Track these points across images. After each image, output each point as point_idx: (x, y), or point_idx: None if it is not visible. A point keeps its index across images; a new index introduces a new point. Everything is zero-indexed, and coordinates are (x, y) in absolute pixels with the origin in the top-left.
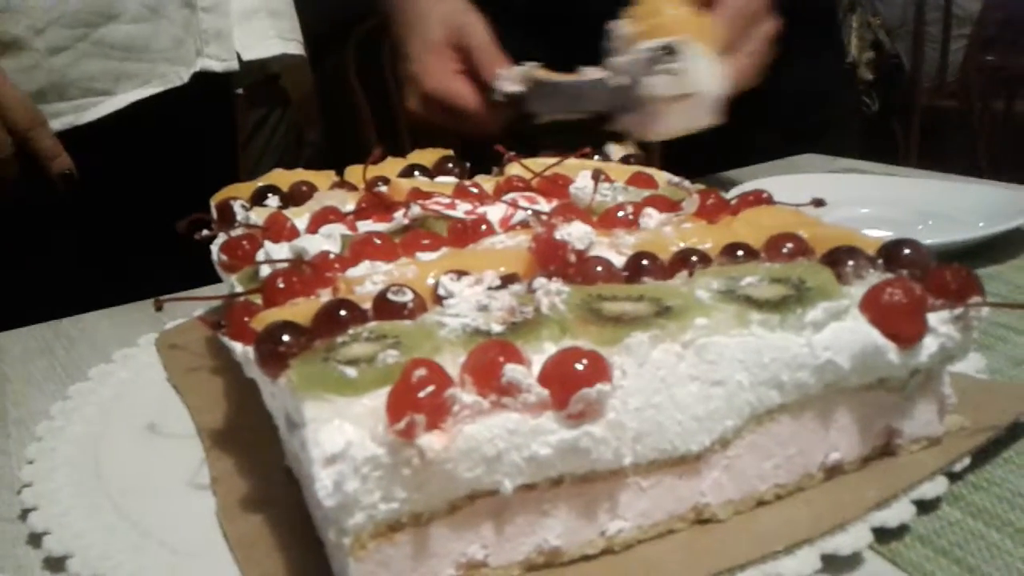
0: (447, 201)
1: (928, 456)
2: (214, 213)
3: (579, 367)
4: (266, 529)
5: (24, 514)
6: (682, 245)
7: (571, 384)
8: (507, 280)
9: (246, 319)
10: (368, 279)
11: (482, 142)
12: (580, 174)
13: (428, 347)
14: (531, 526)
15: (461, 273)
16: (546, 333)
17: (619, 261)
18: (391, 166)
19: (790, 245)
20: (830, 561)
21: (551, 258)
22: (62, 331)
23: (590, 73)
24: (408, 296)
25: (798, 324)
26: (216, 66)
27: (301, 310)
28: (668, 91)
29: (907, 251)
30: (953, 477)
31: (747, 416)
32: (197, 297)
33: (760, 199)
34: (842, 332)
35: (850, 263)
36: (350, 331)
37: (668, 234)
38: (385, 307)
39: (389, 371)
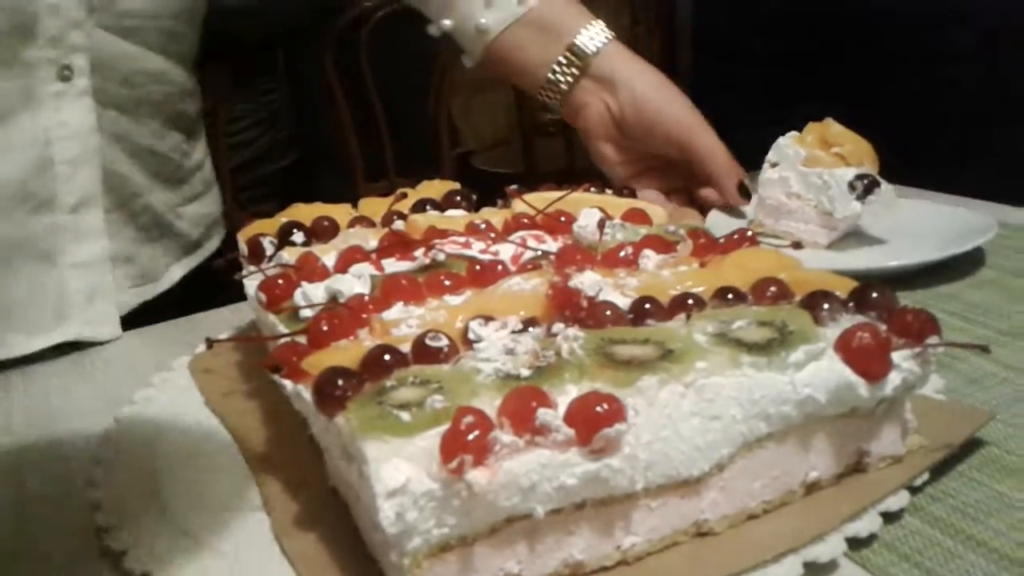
0: (462, 240)
1: (892, 472)
2: (243, 248)
3: (599, 409)
4: (321, 545)
5: (100, 533)
6: (679, 288)
7: (593, 424)
8: (528, 324)
9: (294, 359)
10: (403, 323)
11: None
12: (583, 212)
13: (467, 391)
14: (558, 543)
15: (487, 318)
16: (567, 376)
17: (622, 301)
18: (403, 200)
19: (773, 288)
20: (811, 567)
21: (566, 304)
22: (96, 355)
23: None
24: (443, 341)
25: (782, 365)
26: None
27: (347, 353)
28: (865, 220)
29: (875, 295)
30: (914, 491)
31: (739, 444)
32: (248, 339)
33: (744, 238)
34: (819, 371)
35: (825, 306)
36: (395, 375)
37: (666, 277)
38: (423, 352)
39: (437, 415)
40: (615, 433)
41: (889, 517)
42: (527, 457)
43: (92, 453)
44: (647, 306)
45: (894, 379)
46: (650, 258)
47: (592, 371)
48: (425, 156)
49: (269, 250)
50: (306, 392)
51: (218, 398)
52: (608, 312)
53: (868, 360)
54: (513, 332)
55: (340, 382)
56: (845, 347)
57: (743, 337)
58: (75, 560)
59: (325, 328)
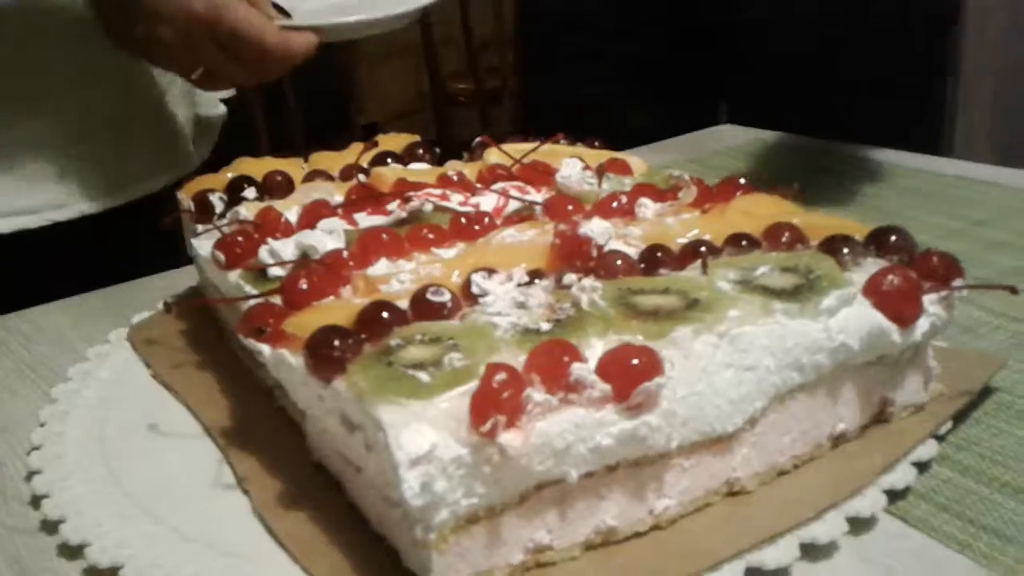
0: (438, 192)
1: (916, 421)
2: (187, 205)
3: (636, 363)
4: (313, 526)
5: (47, 525)
6: (691, 235)
7: (631, 379)
8: (533, 275)
9: (270, 321)
10: (393, 278)
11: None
12: (564, 162)
13: (485, 348)
14: (590, 509)
15: (490, 271)
16: (591, 329)
17: (628, 251)
18: (356, 152)
19: (788, 234)
20: (853, 523)
21: (575, 254)
22: (12, 327)
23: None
24: (446, 296)
25: (815, 311)
26: None
27: (334, 312)
28: None
29: (893, 237)
30: (937, 439)
31: (772, 397)
32: (214, 301)
33: (737, 186)
34: (851, 317)
35: (845, 250)
36: (397, 333)
37: (670, 225)
38: (425, 308)
39: (457, 374)
40: (655, 387)
41: (919, 467)
42: (561, 416)
43: (25, 439)
44: (659, 254)
45: (923, 324)
46: (647, 206)
47: (617, 323)
48: (334, 127)
49: (219, 207)
50: (291, 356)
51: (168, 371)
52: (619, 261)
53: (899, 304)
54: (519, 285)
55: (336, 342)
56: (875, 291)
57: (769, 284)
58: (23, 561)
59: (304, 286)
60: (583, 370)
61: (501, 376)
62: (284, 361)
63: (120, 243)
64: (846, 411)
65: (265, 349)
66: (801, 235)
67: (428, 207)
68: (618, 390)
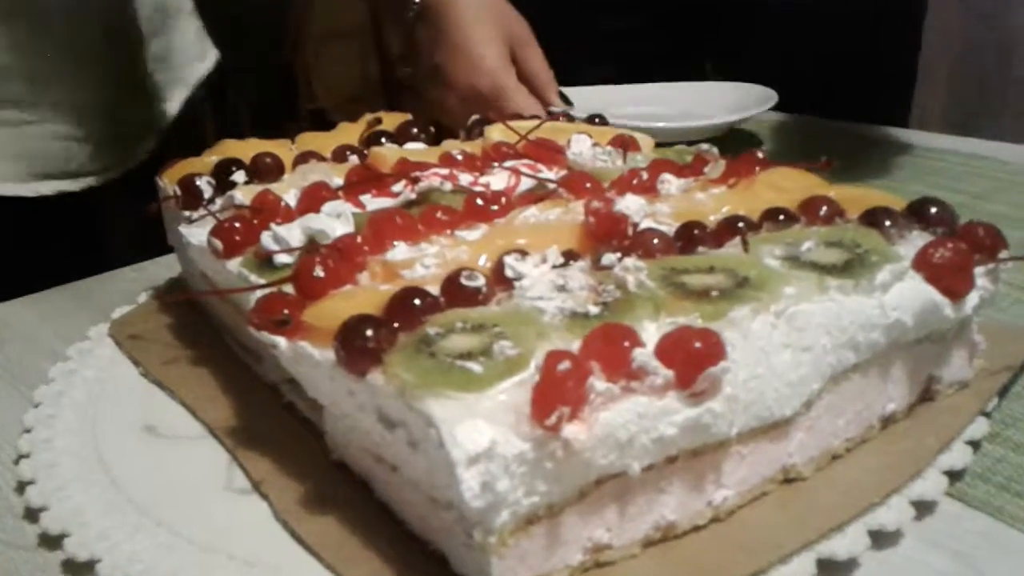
0: (445, 172)
1: (963, 398)
2: (171, 191)
3: (699, 346)
4: (344, 530)
5: (47, 540)
6: (723, 212)
7: (695, 363)
8: (568, 257)
9: (284, 311)
10: (417, 263)
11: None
12: (573, 139)
13: (534, 334)
14: (649, 504)
15: (522, 253)
16: (642, 312)
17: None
18: (345, 132)
19: (825, 207)
20: (917, 507)
21: (612, 232)
22: None
23: None
24: (480, 281)
25: (870, 287)
26: None
27: (356, 300)
28: None
29: (934, 209)
30: (985, 416)
31: (827, 378)
32: (217, 292)
33: (756, 160)
34: (905, 292)
35: (887, 223)
36: (433, 321)
37: (702, 201)
38: (459, 293)
39: (511, 364)
40: (720, 372)
41: (972, 447)
42: (623, 406)
43: (9, 446)
44: (696, 232)
45: (972, 297)
46: (671, 182)
47: (669, 304)
48: (280, 112)
49: (207, 192)
50: (313, 349)
51: (160, 368)
52: (656, 240)
53: (952, 277)
54: (555, 267)
55: (369, 332)
56: (926, 264)
57: (818, 259)
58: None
59: (320, 273)
60: (645, 355)
61: (565, 365)
62: (304, 354)
63: (78, 235)
64: (895, 390)
65: (281, 342)
66: (839, 208)
67: (447, 187)
68: (681, 376)
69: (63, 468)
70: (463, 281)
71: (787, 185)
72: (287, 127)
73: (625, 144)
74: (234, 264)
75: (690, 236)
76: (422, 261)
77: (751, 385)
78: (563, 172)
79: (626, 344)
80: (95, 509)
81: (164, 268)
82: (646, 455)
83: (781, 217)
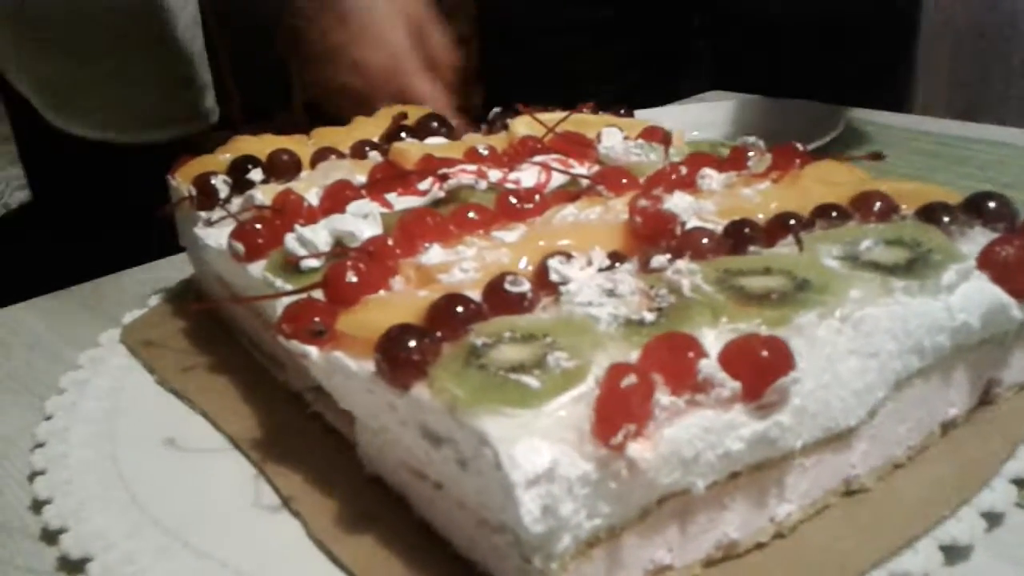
0: (473, 168)
1: (1021, 401)
2: (185, 190)
3: (766, 355)
4: (384, 550)
5: (68, 565)
6: (772, 208)
7: (763, 374)
8: (614, 259)
9: (315, 319)
10: (454, 267)
11: None
12: (604, 132)
13: (591, 344)
14: (712, 522)
15: (566, 255)
16: (700, 318)
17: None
18: (361, 127)
19: (880, 203)
20: (987, 518)
21: (660, 232)
22: None
23: None
24: (525, 286)
25: (936, 288)
26: None
27: (394, 308)
28: None
29: (992, 204)
30: None
31: (892, 384)
32: (241, 299)
33: (795, 153)
34: (970, 292)
35: (946, 219)
36: (483, 330)
37: (749, 197)
38: (503, 299)
39: (568, 377)
40: (790, 383)
41: None
42: (688, 421)
43: (22, 461)
44: (746, 230)
45: None
46: (712, 177)
47: (728, 310)
48: (274, 103)
49: (224, 191)
50: (349, 360)
51: (177, 376)
52: (705, 240)
53: (1019, 277)
54: (601, 270)
55: (412, 343)
56: (992, 263)
57: (879, 260)
58: None
59: (353, 279)
60: (711, 367)
61: (630, 380)
62: (339, 366)
63: (81, 236)
64: (957, 395)
65: (313, 352)
66: (894, 203)
67: (482, 185)
68: (748, 388)
69: (81, 486)
70: (507, 287)
71: (834, 179)
72: (279, 117)
73: (659, 137)
74: (257, 268)
75: (740, 235)
76: (460, 265)
77: (817, 395)
78: (594, 167)
79: (691, 355)
80: (118, 530)
81: (175, 269)
82: (711, 472)
83: (834, 214)
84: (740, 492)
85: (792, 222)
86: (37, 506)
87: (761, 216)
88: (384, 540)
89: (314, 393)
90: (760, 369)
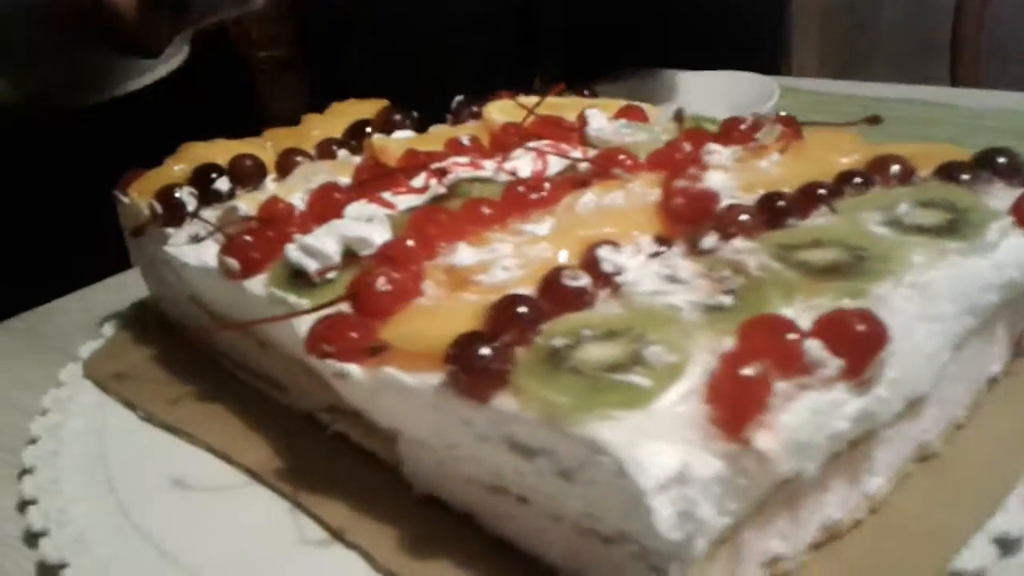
0: (465, 161)
1: None
2: (142, 207)
3: (863, 328)
4: (461, 571)
5: None
6: (787, 179)
7: (863, 349)
8: (661, 243)
9: (353, 335)
10: (494, 266)
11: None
12: (588, 114)
13: (682, 335)
14: (817, 505)
15: (613, 244)
16: (775, 297)
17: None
18: (315, 125)
19: (897, 167)
20: None
21: (703, 212)
22: None
23: None
24: (584, 280)
25: (983, 247)
26: None
27: (446, 315)
28: None
29: (1002, 159)
30: None
31: (953, 347)
32: (258, 321)
33: (794, 123)
34: (1011, 248)
35: (964, 177)
36: (555, 330)
37: (765, 169)
38: (563, 295)
39: (672, 371)
40: (888, 356)
41: None
42: (798, 405)
43: (14, 524)
44: (779, 203)
45: None
46: (720, 152)
47: (802, 286)
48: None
49: (191, 204)
50: (405, 376)
51: (166, 409)
52: (744, 216)
53: None
54: (650, 256)
55: (485, 351)
56: None
57: (922, 223)
58: None
59: (387, 288)
60: (816, 347)
61: (753, 368)
62: (390, 382)
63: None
64: (998, 351)
65: (353, 371)
66: (911, 166)
67: (502, 177)
68: (851, 364)
69: (97, 546)
70: (566, 281)
71: (839, 147)
72: None
73: (639, 115)
74: (256, 285)
75: (774, 208)
76: (499, 263)
77: (903, 365)
78: (590, 151)
79: (791, 336)
80: None
81: (115, 293)
82: (820, 455)
83: (858, 180)
84: (838, 471)
85: (821, 191)
86: (46, 571)
87: (786, 189)
88: (459, 561)
89: (331, 413)
90: (859, 344)
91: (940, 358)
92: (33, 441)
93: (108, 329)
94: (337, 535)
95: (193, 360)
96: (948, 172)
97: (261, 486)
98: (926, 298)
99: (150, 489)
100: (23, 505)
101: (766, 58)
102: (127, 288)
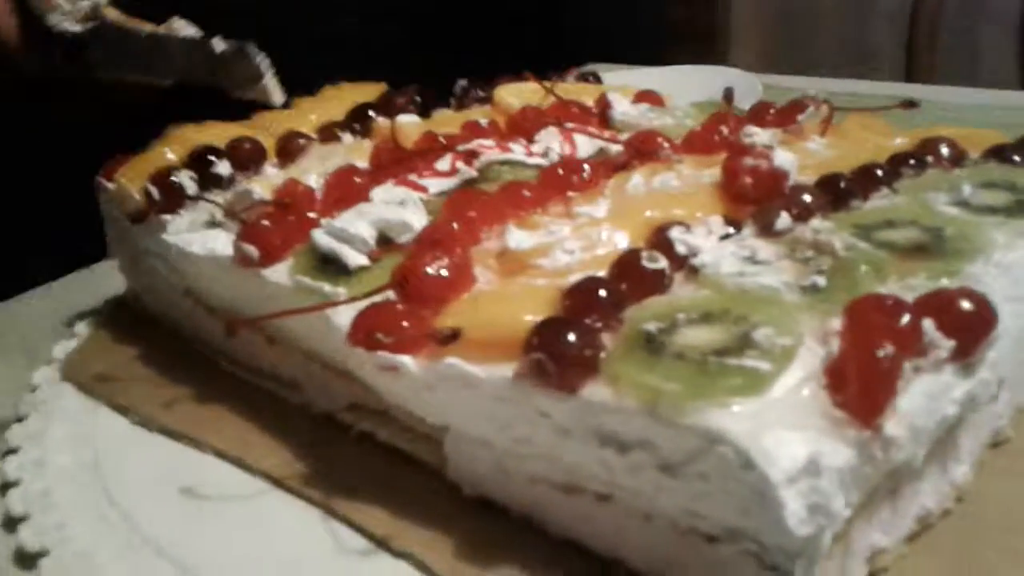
0: (490, 144)
1: None
2: (131, 195)
3: (970, 308)
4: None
5: None
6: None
7: (973, 330)
8: (732, 225)
9: (405, 324)
10: (554, 250)
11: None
12: (611, 98)
13: (783, 316)
14: (913, 495)
15: (684, 225)
16: (868, 280)
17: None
18: (310, 107)
19: (947, 149)
20: None
21: (772, 192)
22: None
23: (183, 28)
24: (663, 262)
25: None
26: None
27: (511, 301)
28: None
29: None
30: None
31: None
32: (297, 311)
33: (813, 102)
34: None
35: (1016, 158)
36: (644, 314)
37: (815, 151)
38: (643, 278)
39: (788, 354)
40: (996, 338)
41: None
42: (913, 389)
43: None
44: (841, 184)
45: None
46: (759, 134)
47: (894, 265)
48: None
49: (191, 189)
50: (471, 367)
51: (162, 412)
52: (807, 196)
53: None
54: (722, 237)
55: (573, 337)
56: None
57: (991, 203)
58: None
59: (443, 272)
60: (932, 328)
61: (887, 350)
62: (453, 374)
63: None
64: None
65: (407, 362)
66: (961, 148)
67: (546, 160)
68: (961, 346)
69: (106, 566)
70: (645, 263)
71: (878, 130)
72: None
73: (656, 100)
74: (278, 273)
75: (836, 189)
76: (560, 246)
77: (997, 346)
78: (615, 134)
79: (909, 317)
80: None
81: (80, 290)
82: (928, 440)
83: (911, 161)
84: (933, 458)
85: (879, 173)
86: None
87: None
88: (526, 568)
89: (353, 412)
90: (968, 325)
91: (1019, 339)
92: (14, 451)
93: (81, 328)
94: (382, 543)
95: (183, 359)
96: (1000, 153)
97: (283, 493)
98: (1009, 278)
99: (159, 501)
100: (11, 523)
101: (702, 48)
102: (96, 283)
